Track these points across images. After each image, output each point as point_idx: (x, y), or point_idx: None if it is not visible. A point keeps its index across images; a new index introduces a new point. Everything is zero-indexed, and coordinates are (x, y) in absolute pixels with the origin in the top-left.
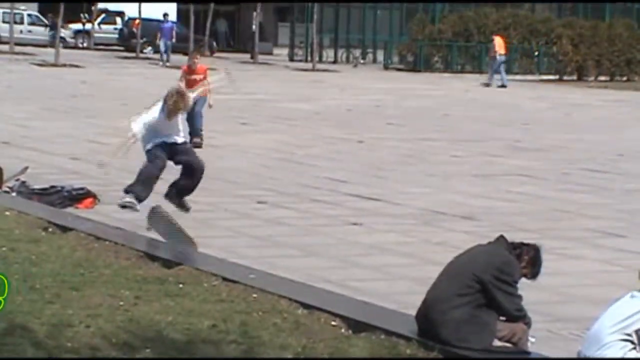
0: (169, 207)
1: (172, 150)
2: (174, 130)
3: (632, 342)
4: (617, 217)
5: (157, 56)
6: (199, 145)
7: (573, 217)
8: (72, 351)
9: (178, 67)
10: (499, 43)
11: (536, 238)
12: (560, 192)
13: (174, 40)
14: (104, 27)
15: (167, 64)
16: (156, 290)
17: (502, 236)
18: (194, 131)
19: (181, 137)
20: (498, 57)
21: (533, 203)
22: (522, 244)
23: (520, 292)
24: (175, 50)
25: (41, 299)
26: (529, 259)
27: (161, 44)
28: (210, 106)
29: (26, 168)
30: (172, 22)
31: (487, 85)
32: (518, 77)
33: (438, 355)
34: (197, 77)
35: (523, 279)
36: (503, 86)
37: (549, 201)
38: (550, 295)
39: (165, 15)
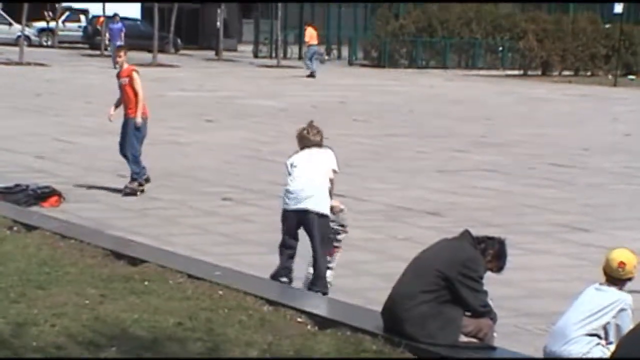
0: None
1: None
2: None
3: (599, 337)
4: (582, 212)
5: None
6: (134, 193)
7: (539, 212)
8: (38, 350)
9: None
10: (309, 34)
11: (502, 233)
12: (525, 187)
13: (122, 42)
14: (68, 25)
15: (117, 67)
16: (122, 288)
17: (466, 231)
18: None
19: None
20: (309, 47)
21: (498, 198)
22: (487, 238)
23: (486, 287)
24: (139, 48)
25: (6, 297)
26: (493, 252)
27: (111, 47)
28: (137, 127)
29: None
30: (122, 23)
31: (311, 76)
32: (482, 72)
33: (404, 351)
34: (123, 81)
35: (489, 273)
36: (311, 75)
37: (515, 196)
38: (516, 290)
39: (114, 15)
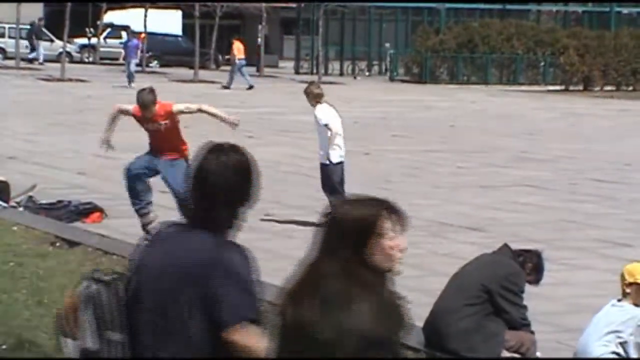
0: None
1: None
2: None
3: (618, 354)
4: (624, 227)
5: (162, 70)
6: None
7: (580, 228)
8: None
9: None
10: (237, 48)
11: (543, 249)
12: (567, 202)
13: (138, 60)
14: (109, 41)
15: (132, 85)
16: None
17: (505, 245)
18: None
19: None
20: (237, 61)
21: (540, 214)
22: (524, 251)
23: (527, 302)
24: (180, 64)
25: (49, 313)
26: (532, 266)
27: (130, 65)
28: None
29: (34, 186)
30: (138, 40)
31: (227, 87)
32: (524, 87)
33: None
34: (160, 125)
35: (528, 288)
36: (250, 87)
37: (556, 211)
38: (558, 305)
39: (131, 32)
